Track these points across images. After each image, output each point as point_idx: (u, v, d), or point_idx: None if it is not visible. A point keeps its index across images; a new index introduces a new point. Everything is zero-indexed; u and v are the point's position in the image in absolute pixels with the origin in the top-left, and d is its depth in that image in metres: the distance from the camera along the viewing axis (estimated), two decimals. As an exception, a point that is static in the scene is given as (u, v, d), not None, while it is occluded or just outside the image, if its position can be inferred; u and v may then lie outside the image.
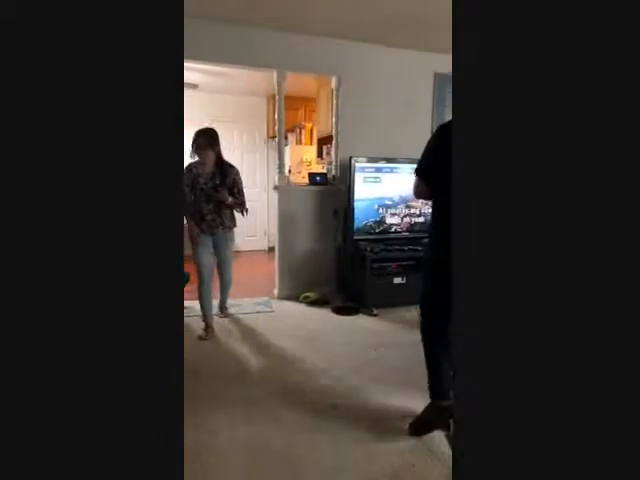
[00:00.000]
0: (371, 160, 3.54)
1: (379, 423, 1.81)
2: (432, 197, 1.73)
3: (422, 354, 1.81)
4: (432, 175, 1.65)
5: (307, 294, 3.59)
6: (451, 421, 1.12)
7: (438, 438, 1.67)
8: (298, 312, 3.40)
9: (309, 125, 5.29)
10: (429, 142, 1.68)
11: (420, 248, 3.47)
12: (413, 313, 3.15)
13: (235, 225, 2.91)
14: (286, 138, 5.13)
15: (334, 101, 3.70)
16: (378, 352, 2.60)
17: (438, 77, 4.01)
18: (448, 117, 4.11)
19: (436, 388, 1.75)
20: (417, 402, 1.84)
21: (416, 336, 2.77)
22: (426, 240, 1.79)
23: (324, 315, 3.32)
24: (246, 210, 2.88)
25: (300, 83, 4.29)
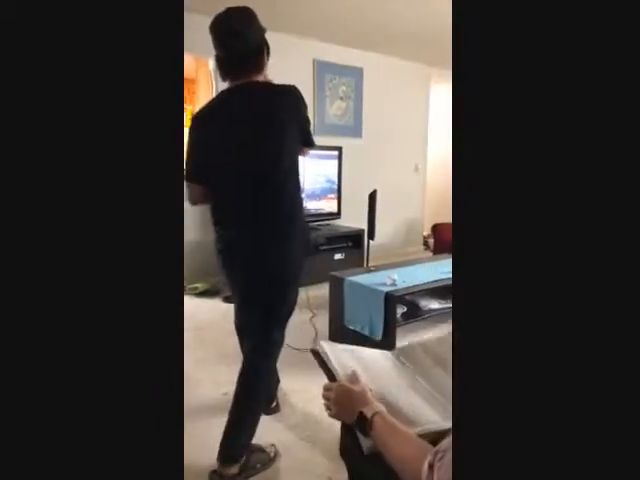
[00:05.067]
0: (255, 145, 3.50)
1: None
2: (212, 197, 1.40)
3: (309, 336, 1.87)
4: (207, 172, 1.38)
5: (195, 285, 3.45)
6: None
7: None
8: (186, 304, 3.25)
9: (189, 107, 5.02)
10: (191, 136, 1.39)
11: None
12: (302, 293, 3.25)
13: None
14: (164, 121, 4.80)
15: (213, 83, 3.56)
16: (270, 336, 2.62)
17: (317, 64, 4.11)
18: (329, 105, 4.26)
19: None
20: (302, 379, 1.91)
21: (305, 315, 2.86)
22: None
23: (214, 305, 3.24)
24: None
25: (177, 62, 4.03)
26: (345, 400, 0.77)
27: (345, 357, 0.90)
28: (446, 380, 0.88)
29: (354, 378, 0.82)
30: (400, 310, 2.33)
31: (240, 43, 1.32)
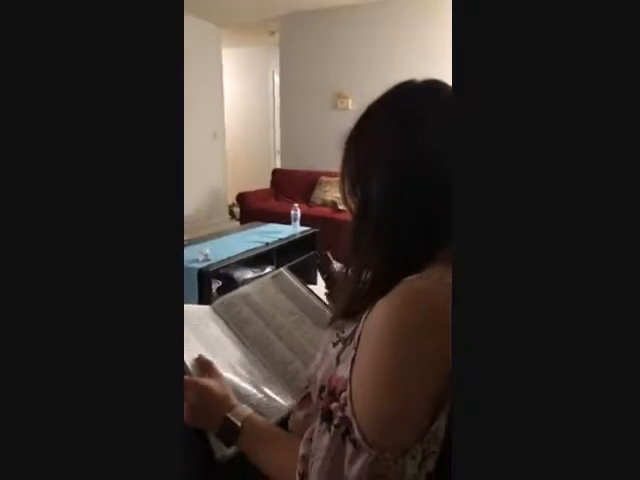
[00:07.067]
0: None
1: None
2: None
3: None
4: None
5: None
6: None
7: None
8: None
9: None
10: None
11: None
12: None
13: None
14: None
15: None
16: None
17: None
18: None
19: None
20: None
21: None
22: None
23: None
24: None
25: None
26: (205, 403, 0.63)
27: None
28: (268, 335, 0.87)
29: (208, 367, 0.69)
30: (215, 285, 2.23)
31: None
